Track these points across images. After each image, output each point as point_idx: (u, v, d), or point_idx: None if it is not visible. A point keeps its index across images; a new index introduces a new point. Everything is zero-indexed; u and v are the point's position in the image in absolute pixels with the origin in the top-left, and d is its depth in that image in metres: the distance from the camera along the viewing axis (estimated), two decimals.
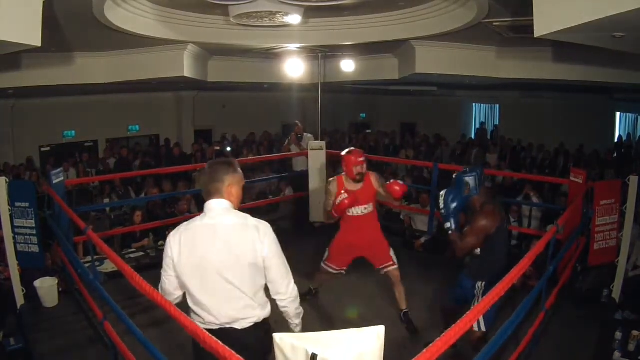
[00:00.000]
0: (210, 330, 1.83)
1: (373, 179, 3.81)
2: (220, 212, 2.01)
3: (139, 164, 9.46)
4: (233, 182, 2.05)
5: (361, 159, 3.71)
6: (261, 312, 2.07)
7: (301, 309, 2.21)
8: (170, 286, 2.08)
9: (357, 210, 3.75)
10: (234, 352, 1.48)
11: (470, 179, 2.89)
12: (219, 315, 1.99)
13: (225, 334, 1.93)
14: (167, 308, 1.91)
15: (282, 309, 2.15)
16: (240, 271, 1.96)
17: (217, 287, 1.96)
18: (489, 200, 2.91)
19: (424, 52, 6.97)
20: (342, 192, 3.64)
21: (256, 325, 2.05)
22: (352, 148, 3.88)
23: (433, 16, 5.77)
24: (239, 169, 2.12)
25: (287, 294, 2.09)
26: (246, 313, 2.01)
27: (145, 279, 2.21)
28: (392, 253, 3.83)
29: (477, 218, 2.84)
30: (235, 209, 2.08)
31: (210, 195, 2.03)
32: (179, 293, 2.10)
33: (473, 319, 1.81)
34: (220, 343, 1.56)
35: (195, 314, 2.04)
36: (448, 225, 2.94)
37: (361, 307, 4.21)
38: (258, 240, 1.98)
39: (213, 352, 1.58)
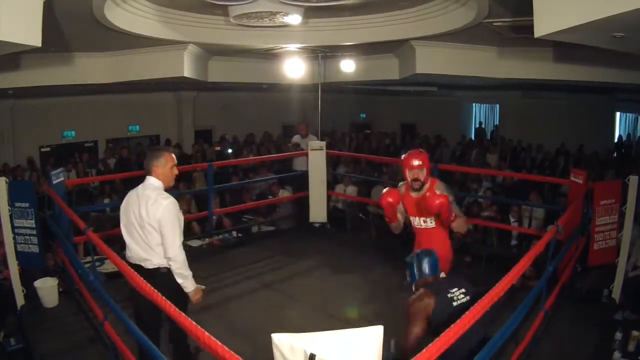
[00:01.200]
0: (130, 264, 2.67)
1: (438, 189, 3.27)
2: (147, 186, 2.84)
3: (137, 165, 9.45)
4: (158, 165, 2.84)
5: (416, 163, 3.22)
6: (161, 261, 2.79)
7: (186, 273, 2.79)
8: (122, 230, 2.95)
9: (417, 222, 3.37)
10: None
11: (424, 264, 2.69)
12: (134, 255, 2.84)
13: (139, 268, 2.71)
14: (167, 308, 1.91)
15: (170, 266, 2.79)
16: (146, 229, 2.76)
17: (134, 235, 2.81)
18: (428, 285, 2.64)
19: (424, 52, 6.96)
20: (385, 189, 3.31)
21: (158, 269, 2.80)
22: (412, 150, 3.40)
23: (433, 16, 5.77)
24: (165, 154, 2.89)
25: (170, 254, 2.74)
26: (148, 257, 2.80)
27: None
28: None
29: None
30: (167, 183, 2.89)
31: (147, 173, 2.87)
32: None
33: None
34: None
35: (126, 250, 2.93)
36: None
37: (361, 307, 4.22)
38: (158, 210, 2.72)
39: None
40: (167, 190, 2.87)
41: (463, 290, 2.53)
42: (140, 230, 2.77)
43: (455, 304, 2.48)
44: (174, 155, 2.93)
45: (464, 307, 2.26)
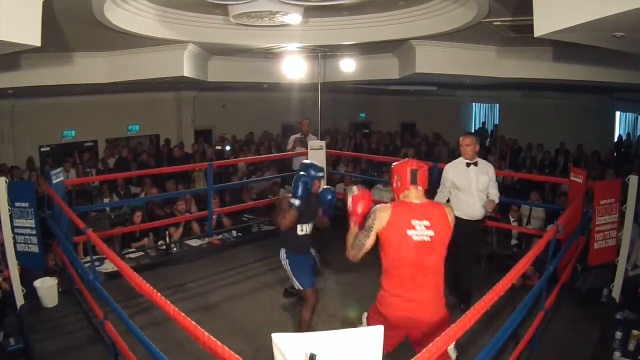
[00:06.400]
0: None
1: None
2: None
3: (136, 164, 9.45)
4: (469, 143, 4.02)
5: None
6: None
7: None
8: None
9: None
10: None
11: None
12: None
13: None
14: (167, 308, 1.91)
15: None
16: None
17: None
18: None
19: (423, 51, 6.97)
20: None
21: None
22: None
23: (433, 16, 5.77)
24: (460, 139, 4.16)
25: None
26: None
27: (145, 279, 2.21)
28: None
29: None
30: (462, 156, 4.08)
31: None
32: None
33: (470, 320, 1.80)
34: (219, 344, 1.57)
35: None
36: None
37: (361, 307, 4.21)
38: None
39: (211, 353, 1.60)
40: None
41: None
42: None
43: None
44: (463, 139, 4.00)
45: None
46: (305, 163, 3.70)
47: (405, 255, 2.34)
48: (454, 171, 4.06)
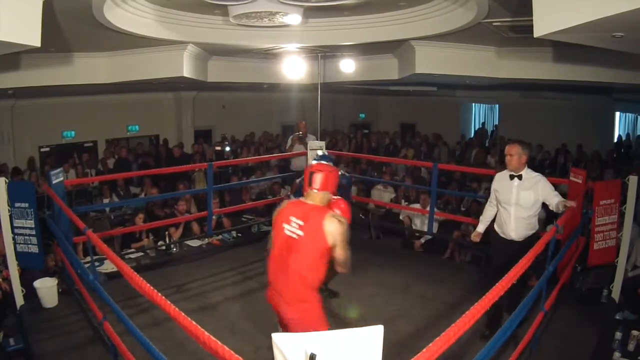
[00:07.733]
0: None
1: None
2: None
3: (137, 165, 9.44)
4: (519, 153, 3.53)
5: None
6: None
7: None
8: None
9: None
10: None
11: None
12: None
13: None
14: (167, 308, 1.91)
15: None
16: None
17: None
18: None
19: (423, 52, 6.97)
20: None
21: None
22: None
23: (433, 16, 5.77)
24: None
25: None
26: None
27: (145, 280, 2.21)
28: None
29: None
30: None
31: None
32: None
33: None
34: (219, 343, 1.57)
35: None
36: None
37: (361, 307, 4.21)
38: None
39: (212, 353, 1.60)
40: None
41: None
42: None
43: None
44: (507, 147, 3.58)
45: None
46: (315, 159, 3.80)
47: (276, 247, 2.58)
48: (498, 182, 3.72)
